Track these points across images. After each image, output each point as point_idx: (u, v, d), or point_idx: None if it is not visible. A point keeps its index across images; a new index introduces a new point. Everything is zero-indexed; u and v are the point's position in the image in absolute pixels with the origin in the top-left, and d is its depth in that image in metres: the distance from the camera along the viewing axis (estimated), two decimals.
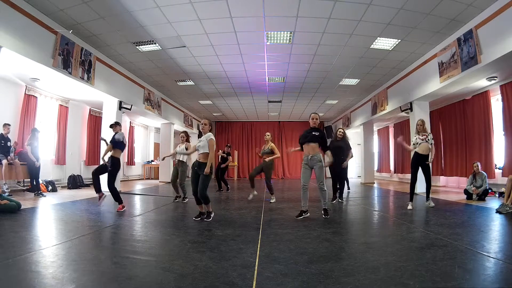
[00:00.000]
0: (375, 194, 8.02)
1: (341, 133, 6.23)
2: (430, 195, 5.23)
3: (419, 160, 5.08)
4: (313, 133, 4.12)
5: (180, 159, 6.05)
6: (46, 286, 1.83)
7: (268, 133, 6.28)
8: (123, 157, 10.38)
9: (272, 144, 6.08)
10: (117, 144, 4.73)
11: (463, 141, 8.24)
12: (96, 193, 4.83)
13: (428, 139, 5.08)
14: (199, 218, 4.04)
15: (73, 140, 9.17)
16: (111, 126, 4.95)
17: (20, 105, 7.12)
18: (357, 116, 12.56)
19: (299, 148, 4.44)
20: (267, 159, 5.86)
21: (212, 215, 4.07)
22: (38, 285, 1.83)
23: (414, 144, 5.20)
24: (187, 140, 6.07)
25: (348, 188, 8.17)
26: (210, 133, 4.12)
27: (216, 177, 8.59)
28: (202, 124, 4.15)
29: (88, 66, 6.56)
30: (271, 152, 5.98)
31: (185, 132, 6.15)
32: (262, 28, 5.93)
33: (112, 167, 4.69)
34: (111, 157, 4.72)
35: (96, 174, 4.73)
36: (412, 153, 5.28)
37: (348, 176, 7.49)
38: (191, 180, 4.09)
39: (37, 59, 5.15)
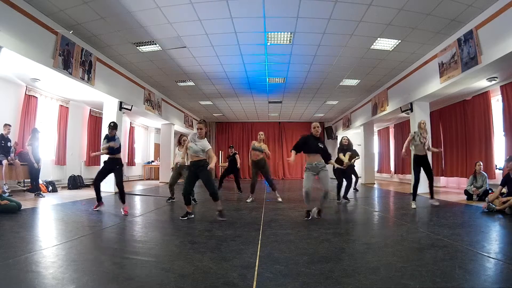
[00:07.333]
0: (376, 194, 8.02)
1: (346, 140, 6.53)
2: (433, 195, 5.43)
3: (420, 161, 5.29)
4: (319, 145, 4.24)
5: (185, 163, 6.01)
6: (46, 287, 1.83)
7: (261, 132, 6.42)
8: (124, 157, 10.37)
9: (264, 145, 6.28)
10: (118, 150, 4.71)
11: (464, 142, 8.23)
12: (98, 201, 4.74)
13: (425, 142, 5.26)
14: (185, 218, 4.06)
15: (74, 140, 9.16)
16: (114, 127, 4.68)
17: (20, 106, 7.12)
18: (358, 116, 12.55)
19: (295, 152, 4.36)
20: (256, 158, 6.14)
21: (224, 216, 4.09)
22: (38, 286, 1.83)
23: (416, 144, 5.29)
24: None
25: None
26: (207, 141, 4.12)
27: (221, 179, 8.78)
28: (198, 129, 4.09)
29: (89, 67, 6.56)
30: (262, 151, 6.20)
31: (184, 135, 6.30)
32: (263, 29, 5.94)
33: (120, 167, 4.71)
34: (119, 159, 4.70)
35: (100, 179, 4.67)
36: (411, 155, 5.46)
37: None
38: (187, 181, 4.12)
39: (37, 59, 5.15)
